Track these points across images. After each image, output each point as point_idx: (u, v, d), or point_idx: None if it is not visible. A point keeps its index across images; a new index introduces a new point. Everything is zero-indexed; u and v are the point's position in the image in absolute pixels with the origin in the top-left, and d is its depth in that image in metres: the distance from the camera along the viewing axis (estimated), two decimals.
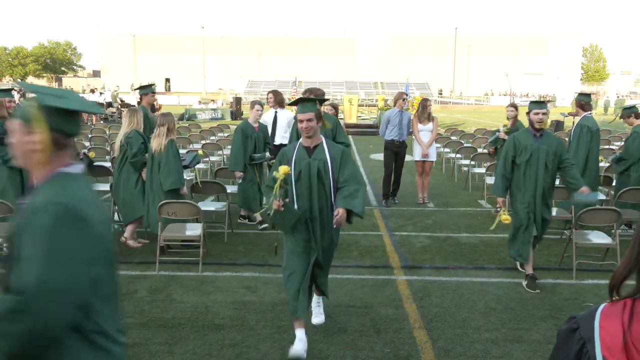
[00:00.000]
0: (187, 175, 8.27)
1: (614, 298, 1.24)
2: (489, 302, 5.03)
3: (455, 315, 4.74)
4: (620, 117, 7.72)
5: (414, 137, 9.10)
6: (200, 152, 7.82)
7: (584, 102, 7.47)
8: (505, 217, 5.36)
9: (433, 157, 9.10)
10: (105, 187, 7.92)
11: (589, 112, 7.51)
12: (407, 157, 9.37)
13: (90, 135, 14.00)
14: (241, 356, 4.01)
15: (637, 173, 7.15)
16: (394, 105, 9.06)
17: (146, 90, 7.52)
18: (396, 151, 8.92)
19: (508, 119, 8.40)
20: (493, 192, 5.83)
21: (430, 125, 8.93)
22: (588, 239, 5.79)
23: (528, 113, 5.41)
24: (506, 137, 8.10)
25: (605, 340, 1.17)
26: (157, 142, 6.20)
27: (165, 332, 4.37)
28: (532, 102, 5.46)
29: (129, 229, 6.59)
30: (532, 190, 5.39)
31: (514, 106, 8.45)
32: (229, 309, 4.81)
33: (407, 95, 9.87)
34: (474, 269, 5.93)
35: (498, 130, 8.53)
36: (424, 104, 9.10)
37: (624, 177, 7.31)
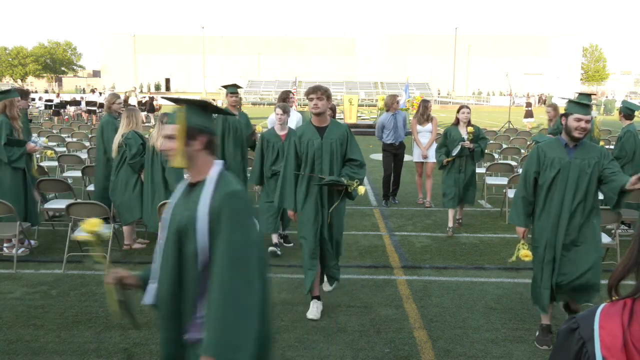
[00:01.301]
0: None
1: (613, 298, 1.24)
2: (489, 302, 5.04)
3: (455, 315, 4.74)
4: (619, 111, 7.71)
5: (413, 138, 9.07)
6: None
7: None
8: (524, 252, 4.21)
9: (433, 158, 9.03)
10: None
11: None
12: (407, 157, 9.36)
13: (90, 135, 13.99)
14: None
15: (630, 172, 7.16)
16: (387, 110, 8.95)
17: (229, 89, 6.99)
18: (395, 152, 8.91)
19: (461, 122, 7.38)
20: (510, 221, 4.49)
21: (429, 126, 8.89)
22: None
23: (566, 116, 3.99)
24: (471, 146, 7.24)
25: (605, 340, 1.17)
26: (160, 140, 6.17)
27: None
28: (573, 103, 4.00)
29: (127, 233, 6.55)
30: (555, 217, 4.06)
31: (468, 108, 7.63)
32: None
33: (399, 97, 9.70)
34: (474, 269, 5.93)
35: (462, 139, 7.22)
36: (425, 105, 9.03)
37: None
